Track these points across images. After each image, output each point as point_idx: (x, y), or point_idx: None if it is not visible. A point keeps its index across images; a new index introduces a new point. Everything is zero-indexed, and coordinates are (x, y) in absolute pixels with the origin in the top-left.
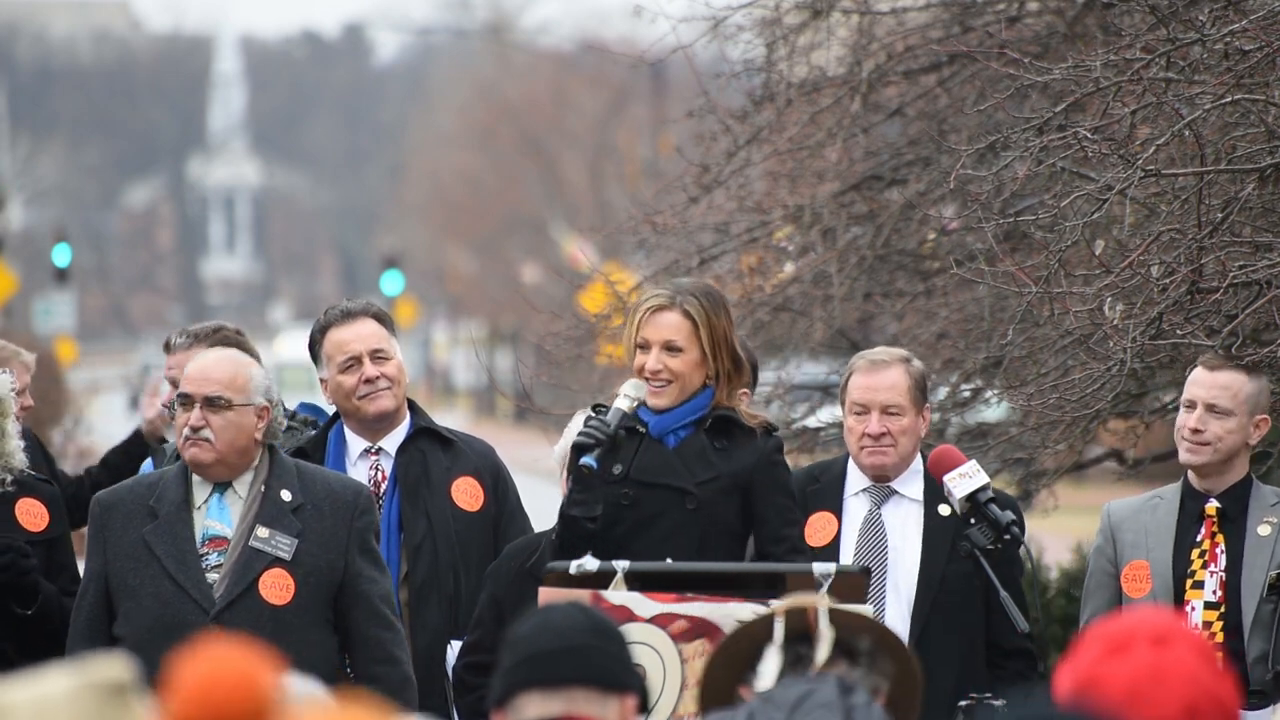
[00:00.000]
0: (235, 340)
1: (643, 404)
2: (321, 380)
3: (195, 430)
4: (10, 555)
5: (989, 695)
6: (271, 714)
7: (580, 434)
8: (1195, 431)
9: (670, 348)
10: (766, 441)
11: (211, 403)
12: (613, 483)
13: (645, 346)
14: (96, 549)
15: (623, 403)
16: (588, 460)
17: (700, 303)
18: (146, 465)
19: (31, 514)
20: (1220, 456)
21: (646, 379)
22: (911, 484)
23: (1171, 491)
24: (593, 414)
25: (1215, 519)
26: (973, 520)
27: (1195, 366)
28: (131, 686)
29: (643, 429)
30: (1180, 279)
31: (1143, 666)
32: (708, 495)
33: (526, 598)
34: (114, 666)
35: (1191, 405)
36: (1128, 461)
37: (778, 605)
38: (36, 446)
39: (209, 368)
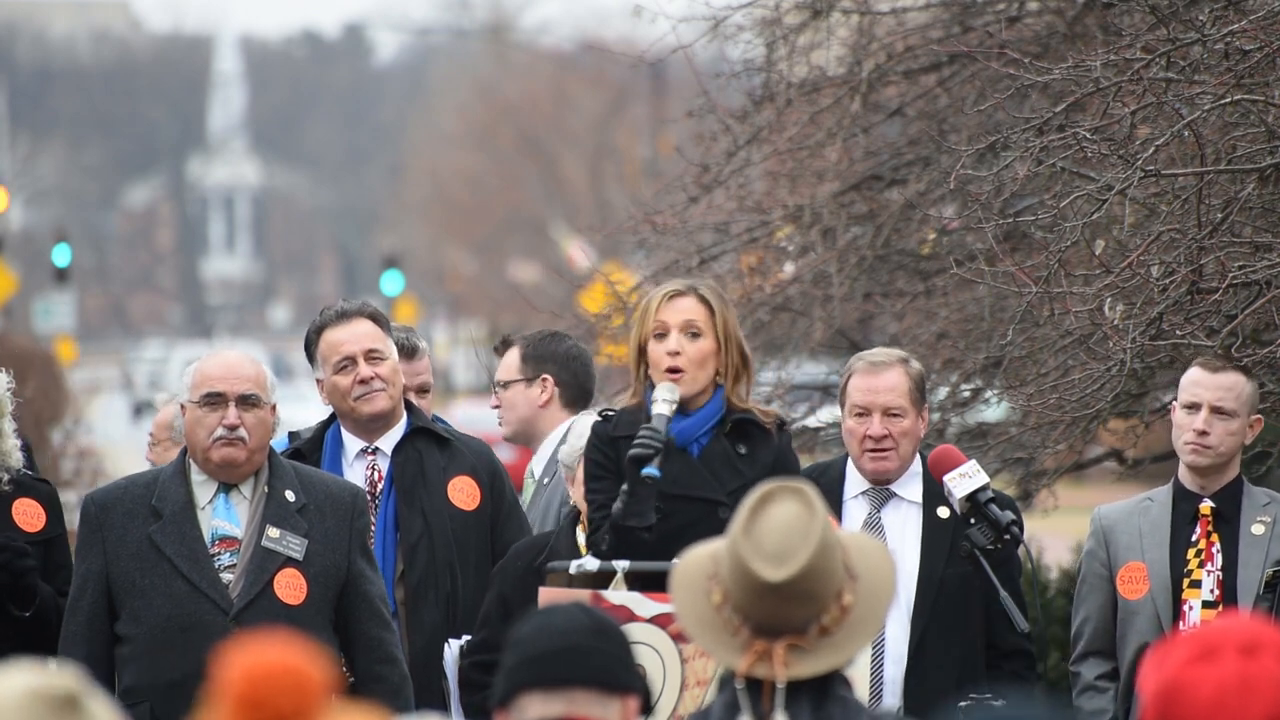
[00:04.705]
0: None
1: (681, 408)
2: (317, 381)
3: (232, 430)
4: (7, 555)
5: (989, 696)
6: (323, 712)
7: (636, 445)
8: (1202, 434)
9: (690, 331)
10: (781, 439)
11: (245, 400)
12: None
13: (663, 333)
14: (94, 548)
15: (663, 408)
16: (650, 470)
17: (715, 291)
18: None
19: (28, 514)
20: (1224, 458)
21: (665, 369)
22: (911, 486)
23: (1163, 493)
24: (601, 419)
25: (1210, 519)
26: (973, 520)
27: (1191, 368)
28: (83, 696)
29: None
30: (1180, 279)
31: (1231, 675)
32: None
33: (533, 597)
34: (65, 676)
35: (1194, 407)
36: (1128, 461)
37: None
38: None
39: (236, 366)
